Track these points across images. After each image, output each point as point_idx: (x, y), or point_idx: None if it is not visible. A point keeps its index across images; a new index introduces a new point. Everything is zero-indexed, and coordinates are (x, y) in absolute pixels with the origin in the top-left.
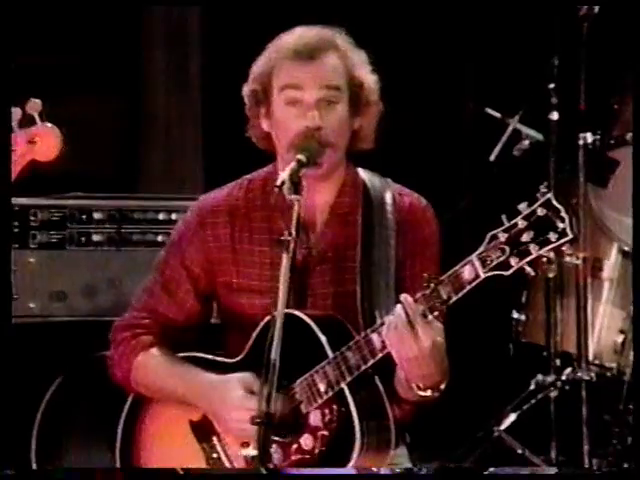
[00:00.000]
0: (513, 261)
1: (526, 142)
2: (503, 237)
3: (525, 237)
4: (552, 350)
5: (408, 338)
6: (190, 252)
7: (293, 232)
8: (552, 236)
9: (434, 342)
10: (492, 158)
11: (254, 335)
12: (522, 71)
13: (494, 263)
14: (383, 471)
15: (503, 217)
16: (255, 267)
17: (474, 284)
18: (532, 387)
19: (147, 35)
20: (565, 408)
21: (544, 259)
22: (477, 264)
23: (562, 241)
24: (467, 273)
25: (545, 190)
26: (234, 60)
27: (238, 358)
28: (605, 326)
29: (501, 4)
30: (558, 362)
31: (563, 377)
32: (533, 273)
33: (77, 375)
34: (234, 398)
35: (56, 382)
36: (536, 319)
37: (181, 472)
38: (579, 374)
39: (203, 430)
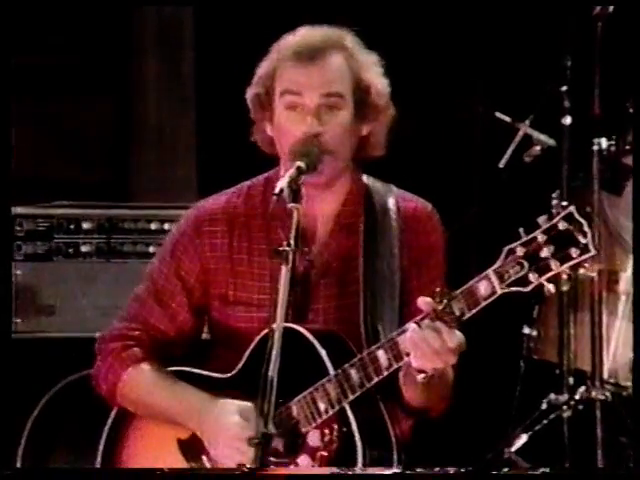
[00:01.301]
0: (532, 277)
1: (537, 148)
2: (521, 251)
3: (545, 252)
4: (565, 368)
5: (439, 347)
6: (185, 262)
7: (292, 242)
8: (573, 252)
9: (459, 342)
10: (502, 165)
11: (249, 350)
12: (533, 73)
13: (512, 278)
14: (383, 471)
15: (521, 230)
16: (253, 279)
17: (490, 300)
18: (544, 407)
19: (138, 35)
20: (579, 429)
21: (564, 275)
22: (494, 279)
23: (584, 257)
24: (483, 288)
25: (566, 203)
26: (229, 62)
27: (231, 374)
28: (621, 342)
29: (512, 3)
30: (571, 380)
31: (577, 396)
32: (553, 290)
33: (65, 394)
34: (230, 425)
35: (42, 402)
36: (548, 335)
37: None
38: (593, 393)
39: (192, 449)
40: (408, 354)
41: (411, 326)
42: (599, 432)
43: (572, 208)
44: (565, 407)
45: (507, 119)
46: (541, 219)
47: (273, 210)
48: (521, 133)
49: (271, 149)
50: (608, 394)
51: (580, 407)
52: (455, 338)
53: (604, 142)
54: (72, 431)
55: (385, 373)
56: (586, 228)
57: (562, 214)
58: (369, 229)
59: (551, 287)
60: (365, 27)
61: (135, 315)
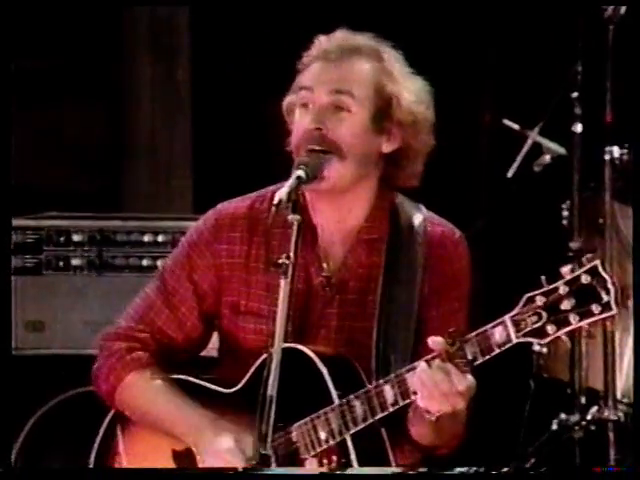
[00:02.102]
0: (550, 329)
1: (547, 157)
2: (541, 301)
3: (565, 304)
4: (576, 386)
5: (447, 389)
6: (200, 266)
7: (292, 255)
8: (595, 308)
9: (469, 386)
10: (510, 174)
11: (254, 367)
12: (543, 78)
13: (529, 328)
14: (385, 471)
15: (542, 278)
16: (268, 290)
17: (504, 348)
18: (555, 427)
19: (130, 38)
20: (591, 451)
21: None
22: (510, 327)
23: (605, 315)
24: (498, 335)
25: (592, 255)
26: (227, 66)
27: (234, 389)
28: (634, 360)
29: (520, 6)
30: (583, 400)
31: (588, 416)
32: (570, 345)
33: (54, 414)
34: (223, 452)
35: (30, 422)
36: (559, 352)
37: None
38: (606, 413)
39: (186, 460)
40: (415, 393)
41: (421, 365)
42: (612, 454)
43: (597, 262)
44: (577, 428)
45: (515, 126)
46: (564, 269)
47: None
48: (530, 141)
49: None
50: (621, 414)
51: (592, 428)
52: (465, 382)
53: (616, 150)
54: (62, 452)
55: (391, 409)
56: (610, 285)
57: (586, 267)
58: (392, 251)
59: (567, 341)
60: (371, 30)
61: (142, 316)
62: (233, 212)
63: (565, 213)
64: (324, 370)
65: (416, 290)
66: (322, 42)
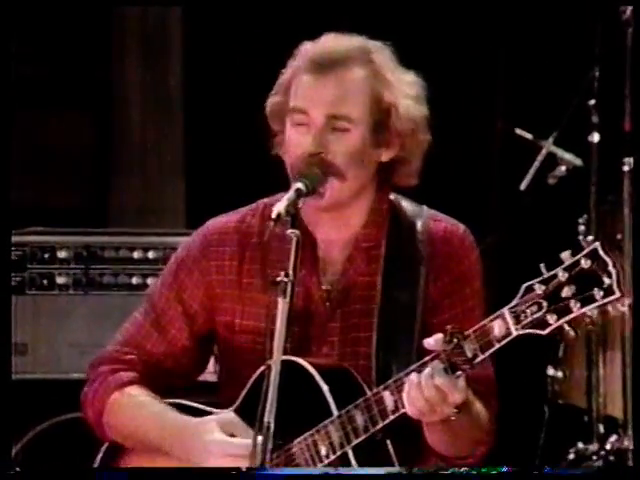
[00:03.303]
0: (551, 319)
1: (562, 168)
2: (540, 290)
3: (566, 292)
4: (594, 414)
5: (437, 401)
6: (188, 285)
7: (290, 273)
8: (597, 293)
9: (466, 403)
10: (523, 187)
11: (249, 384)
12: (558, 85)
13: (529, 319)
14: (385, 471)
15: (541, 266)
16: (265, 307)
17: (504, 342)
18: (571, 457)
19: (119, 42)
20: None
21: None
22: (509, 319)
23: (608, 300)
24: (497, 329)
25: (591, 238)
26: (221, 72)
27: (230, 409)
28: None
29: (535, 8)
30: (601, 428)
31: (607, 446)
32: (573, 334)
33: (38, 442)
34: (212, 443)
35: (14, 451)
36: (575, 377)
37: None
38: (626, 442)
39: None
40: None
41: (410, 377)
42: None
43: (597, 244)
44: (595, 458)
45: (529, 136)
46: (564, 255)
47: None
48: (544, 152)
49: None
50: None
51: (611, 458)
52: (458, 393)
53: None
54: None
55: (391, 417)
56: (611, 268)
57: (585, 251)
58: (391, 255)
59: (570, 330)
60: (379, 37)
61: (129, 339)
62: (222, 227)
63: (582, 228)
64: (324, 387)
65: (419, 291)
66: (309, 50)
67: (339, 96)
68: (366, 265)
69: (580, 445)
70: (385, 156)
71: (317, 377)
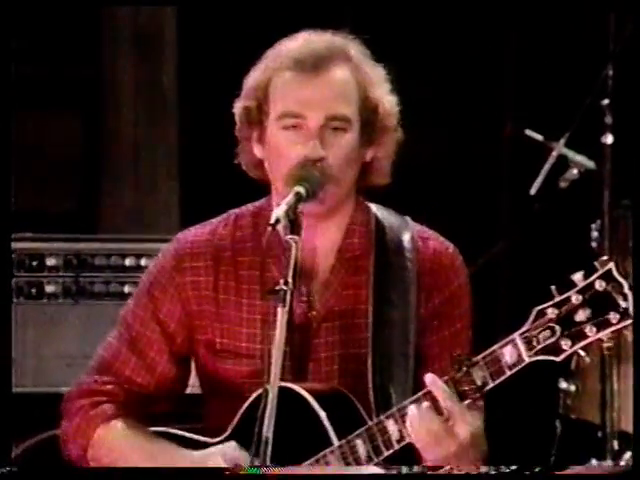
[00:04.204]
0: (565, 344)
1: (574, 171)
2: (553, 314)
3: (580, 316)
4: (608, 429)
5: (442, 434)
6: (164, 303)
7: (290, 280)
8: (613, 317)
9: (473, 433)
10: (533, 191)
11: (241, 411)
12: (569, 84)
13: (542, 345)
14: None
15: (553, 288)
16: (242, 324)
17: (516, 369)
18: None
19: (111, 40)
20: None
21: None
22: (521, 345)
23: (624, 323)
24: (508, 356)
25: (606, 258)
26: (217, 71)
27: (221, 437)
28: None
29: (545, 3)
30: (615, 444)
31: (622, 463)
32: (588, 360)
33: (24, 461)
34: (210, 453)
35: None
36: (588, 390)
37: None
38: None
39: None
40: None
41: (410, 408)
42: None
43: (611, 265)
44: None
45: (539, 137)
46: (576, 276)
47: (267, 244)
48: (555, 154)
49: (259, 173)
50: None
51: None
52: (465, 428)
53: None
54: None
55: (397, 447)
56: (627, 289)
57: (600, 272)
58: (380, 269)
59: (585, 356)
60: (386, 40)
61: (107, 366)
62: (193, 240)
63: (594, 234)
64: (322, 413)
65: (411, 313)
66: (290, 50)
67: (334, 96)
68: (350, 277)
69: (593, 462)
70: (369, 155)
71: (314, 403)
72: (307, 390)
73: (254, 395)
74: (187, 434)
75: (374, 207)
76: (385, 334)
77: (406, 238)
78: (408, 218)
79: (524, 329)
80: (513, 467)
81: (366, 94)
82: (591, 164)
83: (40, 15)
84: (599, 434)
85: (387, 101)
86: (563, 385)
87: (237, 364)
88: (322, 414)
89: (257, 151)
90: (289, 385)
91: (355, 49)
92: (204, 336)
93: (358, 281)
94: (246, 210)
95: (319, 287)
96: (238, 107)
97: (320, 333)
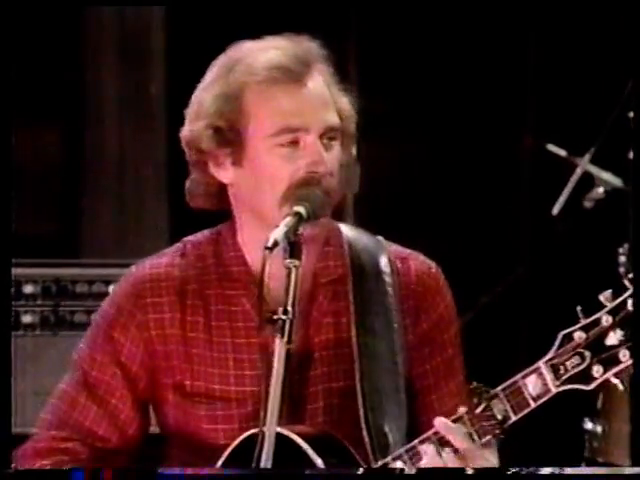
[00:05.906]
0: (596, 371)
1: (600, 189)
2: (580, 338)
3: (611, 339)
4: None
5: (453, 462)
6: (125, 344)
7: (289, 309)
8: None
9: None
10: (556, 211)
11: (224, 456)
12: (594, 96)
13: (570, 373)
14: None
15: (579, 310)
16: (213, 365)
17: (542, 401)
18: None
19: (94, 46)
20: None
21: None
22: (546, 374)
23: None
24: (532, 386)
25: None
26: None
27: None
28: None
29: (568, 12)
30: None
31: None
32: (622, 387)
33: None
34: None
35: None
36: (615, 431)
37: None
38: None
39: None
40: None
41: (429, 450)
42: None
43: None
44: None
45: (562, 153)
46: (605, 295)
47: (236, 274)
48: (579, 171)
49: (214, 202)
50: None
51: None
52: (482, 463)
53: None
54: None
55: None
56: None
57: (631, 290)
58: (359, 295)
59: (619, 383)
60: (395, 46)
61: (64, 418)
62: (151, 274)
63: (622, 258)
64: (318, 461)
65: (397, 341)
66: (269, 59)
67: (324, 104)
68: (329, 304)
69: None
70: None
71: (309, 451)
72: (297, 434)
73: (238, 440)
74: None
75: (343, 227)
76: (372, 366)
77: (383, 261)
78: (381, 238)
79: (550, 356)
80: None
81: (335, 99)
82: (618, 182)
83: (19, 21)
84: None
85: (346, 103)
86: (589, 426)
87: (211, 410)
88: (318, 461)
89: (225, 176)
90: (279, 429)
91: (316, 51)
92: (172, 379)
93: (338, 307)
94: (203, 238)
95: (298, 320)
96: (196, 129)
97: (300, 367)
